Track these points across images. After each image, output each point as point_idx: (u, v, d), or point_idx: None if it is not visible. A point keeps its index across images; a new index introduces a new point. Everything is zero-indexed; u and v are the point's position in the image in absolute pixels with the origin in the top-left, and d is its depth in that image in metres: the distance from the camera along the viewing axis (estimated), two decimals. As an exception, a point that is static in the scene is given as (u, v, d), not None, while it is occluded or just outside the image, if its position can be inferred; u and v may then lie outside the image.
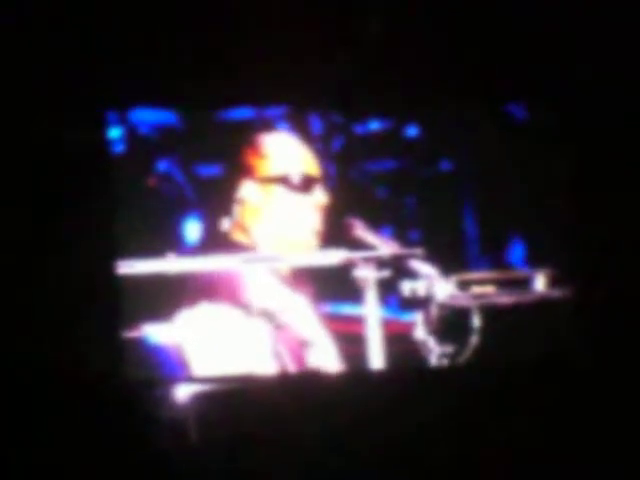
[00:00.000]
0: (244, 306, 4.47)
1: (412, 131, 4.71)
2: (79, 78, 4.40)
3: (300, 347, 4.51)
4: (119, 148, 4.50)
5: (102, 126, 4.48)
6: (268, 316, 4.48)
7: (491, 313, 4.62)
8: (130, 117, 4.52)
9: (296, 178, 4.58)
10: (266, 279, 4.51)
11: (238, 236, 4.54)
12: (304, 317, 4.52)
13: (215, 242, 4.50)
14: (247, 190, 4.55)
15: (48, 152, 4.36)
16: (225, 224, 4.51)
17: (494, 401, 4.51)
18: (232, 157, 4.56)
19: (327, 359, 4.53)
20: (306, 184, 4.59)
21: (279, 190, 4.57)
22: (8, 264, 4.28)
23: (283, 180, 4.57)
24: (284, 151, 4.62)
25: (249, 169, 4.57)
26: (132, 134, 4.51)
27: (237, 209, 4.54)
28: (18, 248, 4.30)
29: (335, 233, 4.57)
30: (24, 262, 4.31)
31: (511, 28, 4.65)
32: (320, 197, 4.60)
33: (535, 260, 4.72)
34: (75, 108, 4.39)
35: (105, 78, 4.43)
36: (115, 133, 4.50)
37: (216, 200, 4.53)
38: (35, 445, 4.18)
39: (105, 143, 4.48)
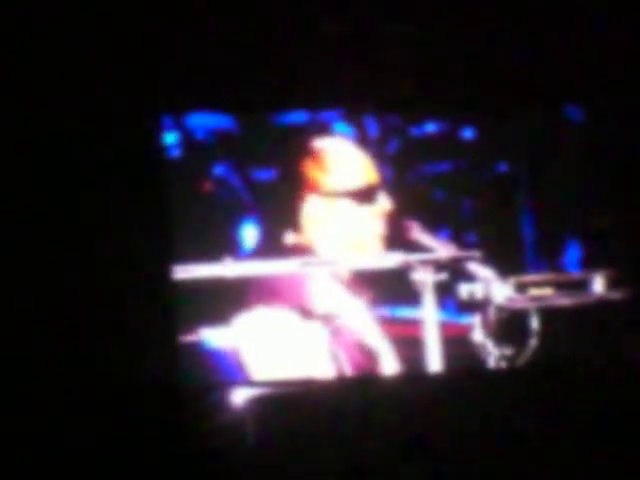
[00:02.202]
0: (302, 309, 4.47)
1: (468, 133, 4.70)
2: (135, 83, 4.42)
3: (358, 350, 4.50)
4: (175, 153, 4.52)
5: (158, 131, 4.49)
6: (326, 319, 4.48)
7: (549, 315, 4.60)
8: (186, 122, 4.53)
9: (360, 191, 4.57)
10: (325, 282, 4.51)
11: (297, 241, 4.53)
12: (362, 320, 4.51)
13: (272, 246, 4.51)
14: (311, 204, 4.54)
15: (105, 157, 4.38)
16: (289, 237, 4.51)
17: (553, 403, 4.48)
18: (291, 167, 4.55)
19: (385, 362, 4.51)
20: (370, 194, 4.58)
21: (344, 203, 4.56)
22: (66, 268, 4.30)
23: (348, 194, 4.55)
24: (347, 163, 4.60)
25: (312, 183, 4.56)
26: (188, 139, 4.52)
27: (300, 222, 4.54)
28: (76, 253, 4.33)
29: (392, 236, 4.56)
30: (82, 267, 4.33)
31: (570, 29, 4.63)
32: (384, 204, 4.59)
33: (591, 263, 4.68)
34: (131, 113, 4.41)
35: (161, 83, 4.45)
36: (171, 138, 4.51)
37: (273, 204, 4.53)
38: (93, 447, 4.20)
39: (161, 148, 4.50)
